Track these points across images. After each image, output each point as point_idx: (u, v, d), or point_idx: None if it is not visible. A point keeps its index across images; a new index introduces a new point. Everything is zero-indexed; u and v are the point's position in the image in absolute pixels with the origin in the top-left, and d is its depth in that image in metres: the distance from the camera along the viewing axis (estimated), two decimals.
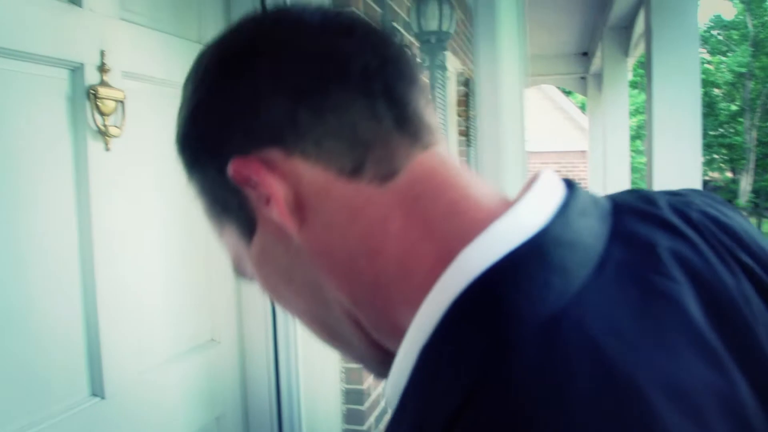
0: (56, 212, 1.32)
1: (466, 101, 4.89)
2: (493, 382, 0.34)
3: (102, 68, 1.40)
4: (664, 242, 0.44)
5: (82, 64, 1.36)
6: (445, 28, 2.65)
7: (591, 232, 0.42)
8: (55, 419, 1.30)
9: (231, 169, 0.45)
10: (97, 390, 1.41)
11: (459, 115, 4.90)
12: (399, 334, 0.43)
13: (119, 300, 1.45)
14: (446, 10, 2.65)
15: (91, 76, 1.38)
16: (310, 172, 0.45)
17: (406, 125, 0.47)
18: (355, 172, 0.45)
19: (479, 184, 0.47)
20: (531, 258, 0.39)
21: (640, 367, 0.34)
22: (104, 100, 1.39)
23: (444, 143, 0.50)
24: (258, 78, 0.46)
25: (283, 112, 0.45)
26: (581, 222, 0.42)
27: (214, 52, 0.51)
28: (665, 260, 0.42)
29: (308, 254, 0.47)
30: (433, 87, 3.43)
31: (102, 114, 1.39)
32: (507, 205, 0.44)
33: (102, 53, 1.40)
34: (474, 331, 0.37)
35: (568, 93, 15.26)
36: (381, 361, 0.49)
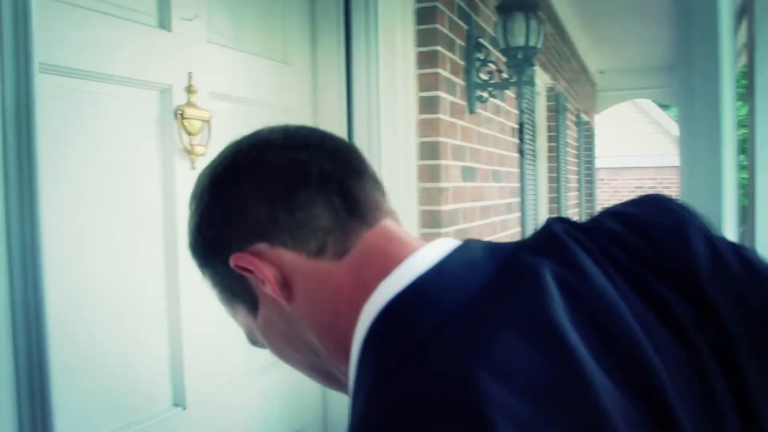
0: (145, 228, 1.38)
1: (556, 117, 4.79)
2: (396, 370, 0.47)
3: (189, 89, 1.46)
4: (546, 266, 0.54)
5: (170, 86, 1.42)
6: (532, 43, 2.60)
7: (469, 274, 0.54)
8: (138, 426, 1.35)
9: (231, 262, 0.60)
10: (179, 400, 1.46)
11: (549, 131, 4.80)
12: (344, 360, 0.57)
13: (203, 315, 1.49)
14: (533, 24, 2.61)
15: (179, 97, 1.44)
16: (288, 256, 0.59)
17: (356, 212, 0.60)
18: (319, 253, 0.59)
19: (405, 244, 0.60)
20: (411, 297, 0.53)
21: (470, 356, 0.45)
22: (191, 120, 1.45)
23: (390, 216, 0.64)
24: (242, 192, 0.61)
25: (264, 215, 0.60)
26: (457, 270, 0.55)
27: (207, 175, 0.66)
28: (543, 279, 0.53)
29: (298, 320, 0.61)
30: (520, 103, 3.38)
31: (189, 133, 1.45)
32: (401, 256, 0.57)
33: (189, 75, 1.46)
34: (379, 347, 0.52)
35: (665, 107, 14.67)
36: None
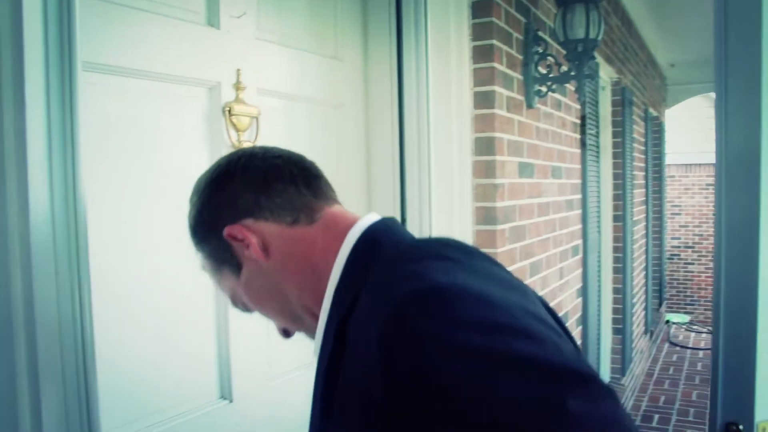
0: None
1: (621, 111, 4.65)
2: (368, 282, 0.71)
3: (237, 86, 1.47)
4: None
5: (218, 83, 1.44)
6: (592, 35, 2.52)
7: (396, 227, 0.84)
8: (185, 418, 1.38)
9: (225, 232, 0.82)
10: (225, 393, 1.48)
11: (614, 127, 4.66)
12: (319, 299, 0.78)
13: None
14: (594, 16, 2.53)
15: (227, 94, 1.45)
16: (269, 227, 0.83)
17: (318, 195, 0.86)
18: (294, 222, 0.83)
19: (348, 213, 0.86)
20: (379, 227, 0.81)
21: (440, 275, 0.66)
22: (239, 117, 1.46)
23: (340, 204, 0.89)
24: (234, 186, 0.84)
25: (251, 200, 0.83)
26: (394, 225, 0.84)
27: (207, 177, 0.88)
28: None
29: (274, 273, 0.83)
30: (581, 97, 3.28)
31: (237, 130, 1.46)
32: (357, 218, 0.82)
33: (238, 72, 1.47)
34: (360, 262, 0.76)
35: None
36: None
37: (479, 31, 2.18)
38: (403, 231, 0.84)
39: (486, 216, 2.22)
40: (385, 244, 0.77)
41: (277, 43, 1.63)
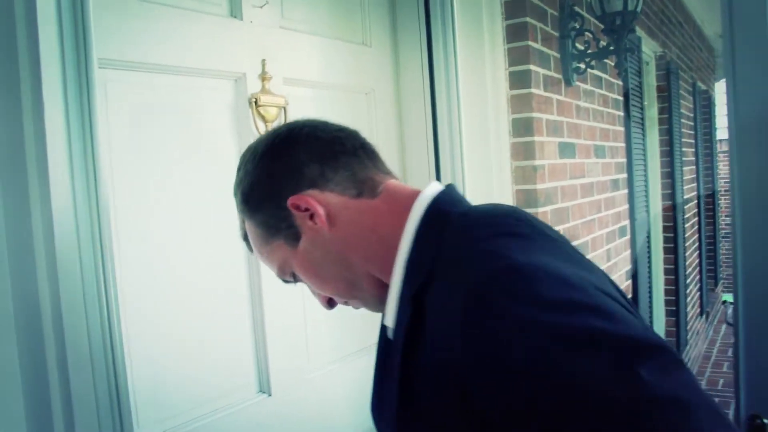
0: (223, 221, 1.39)
1: (667, 86, 4.49)
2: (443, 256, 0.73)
3: (263, 76, 1.45)
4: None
5: (243, 74, 1.42)
6: (630, 7, 2.42)
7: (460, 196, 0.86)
8: (225, 412, 1.37)
9: (289, 202, 0.81)
10: (264, 387, 1.47)
11: (660, 102, 4.51)
12: (389, 267, 0.79)
13: (285, 308, 1.50)
14: None
15: (253, 85, 1.44)
16: (335, 199, 0.82)
17: (378, 167, 0.87)
18: (358, 195, 0.83)
19: (406, 186, 0.86)
20: (444, 198, 0.81)
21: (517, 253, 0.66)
22: (266, 107, 1.44)
23: (394, 176, 0.89)
24: (297, 155, 0.83)
25: (316, 171, 0.82)
26: (455, 193, 0.84)
27: (266, 143, 0.86)
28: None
29: (337, 243, 0.83)
30: (622, 73, 3.18)
31: (265, 120, 1.45)
32: (418, 191, 0.83)
33: (263, 62, 1.45)
34: (431, 233, 0.77)
35: None
36: (382, 300, 0.82)
37: (512, 9, 2.12)
38: (464, 200, 0.85)
39: (526, 199, 2.16)
40: (452, 213, 0.77)
41: (303, 31, 1.60)
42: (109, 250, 1.01)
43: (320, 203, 0.81)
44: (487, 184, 1.99)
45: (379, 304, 0.85)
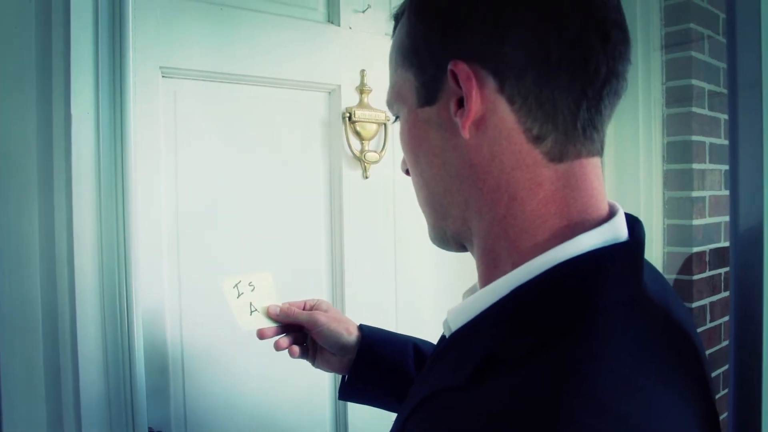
0: (309, 247, 1.25)
1: None
2: (577, 332, 0.48)
3: (362, 89, 1.29)
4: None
5: (338, 86, 1.27)
6: None
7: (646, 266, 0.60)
8: None
9: (454, 65, 0.53)
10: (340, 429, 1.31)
11: None
12: (488, 254, 0.59)
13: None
14: None
15: (349, 98, 1.28)
16: (506, 115, 0.54)
17: (588, 132, 0.56)
18: (536, 139, 0.54)
19: (603, 195, 0.59)
20: (621, 256, 0.55)
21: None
22: (363, 123, 1.28)
23: (600, 156, 0.59)
24: (517, 19, 0.52)
25: (520, 55, 0.52)
26: (641, 247, 0.58)
27: None
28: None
29: (465, 155, 0.57)
30: None
31: (361, 138, 1.29)
32: (610, 214, 0.58)
33: (362, 73, 1.30)
34: (566, 293, 0.52)
35: None
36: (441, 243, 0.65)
37: (672, 13, 1.83)
38: (643, 260, 0.58)
39: (680, 236, 1.86)
40: (614, 291, 0.52)
41: None
42: (134, 267, 0.91)
43: (483, 100, 0.54)
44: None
45: (439, 241, 0.65)
